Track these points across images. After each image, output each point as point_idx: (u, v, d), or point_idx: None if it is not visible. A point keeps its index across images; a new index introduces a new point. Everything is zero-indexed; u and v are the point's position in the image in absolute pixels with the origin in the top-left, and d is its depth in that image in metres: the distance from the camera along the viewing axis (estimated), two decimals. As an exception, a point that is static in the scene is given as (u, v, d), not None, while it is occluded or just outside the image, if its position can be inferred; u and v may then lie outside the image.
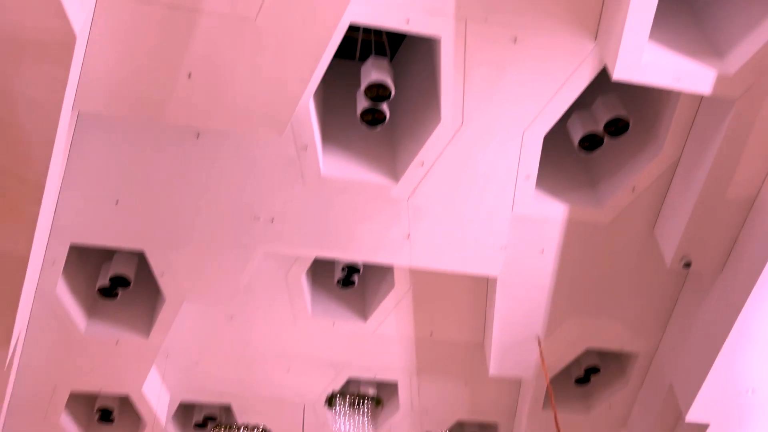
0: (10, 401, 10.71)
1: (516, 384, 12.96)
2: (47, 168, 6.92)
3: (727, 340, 9.48)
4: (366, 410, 13.19)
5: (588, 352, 12.06)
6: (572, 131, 9.57)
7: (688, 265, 9.78)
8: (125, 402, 12.30)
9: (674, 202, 9.74)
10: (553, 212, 9.99)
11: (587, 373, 12.12)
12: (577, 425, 12.29)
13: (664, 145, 9.29)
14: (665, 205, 9.98)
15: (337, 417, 13.09)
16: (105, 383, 11.56)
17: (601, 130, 9.27)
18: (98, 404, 12.10)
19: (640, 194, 9.84)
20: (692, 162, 9.25)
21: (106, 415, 12.13)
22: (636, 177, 9.62)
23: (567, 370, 12.39)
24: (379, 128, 9.32)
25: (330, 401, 12.96)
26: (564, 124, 9.66)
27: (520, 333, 11.29)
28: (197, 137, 8.89)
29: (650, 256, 10.47)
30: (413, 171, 9.34)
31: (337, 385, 13.09)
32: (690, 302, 10.68)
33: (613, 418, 12.65)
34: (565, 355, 11.72)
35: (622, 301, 11.06)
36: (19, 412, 11.34)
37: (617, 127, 9.25)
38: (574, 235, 10.20)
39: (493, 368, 11.79)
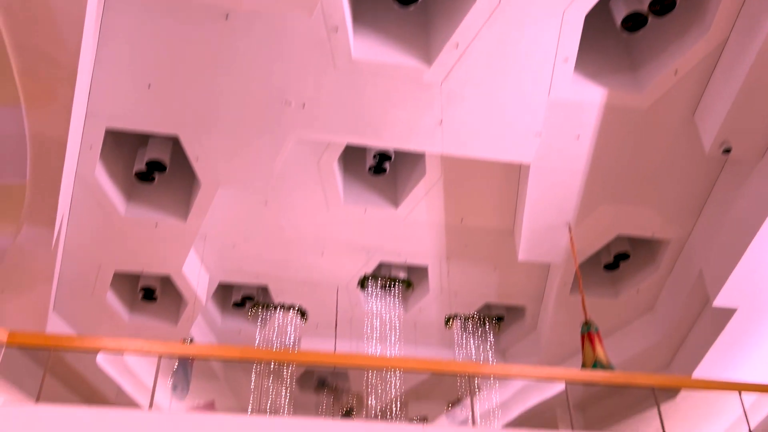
0: (59, 280, 11.27)
1: (544, 269, 13.17)
2: (78, 49, 6.88)
3: (761, 228, 9.38)
4: (397, 292, 13.62)
5: (619, 239, 12.11)
6: (615, 10, 9.13)
7: (727, 151, 9.54)
8: (167, 282, 12.84)
9: (718, 85, 9.37)
10: (591, 96, 9.72)
11: (617, 259, 12.23)
12: (604, 309, 12.54)
13: (711, 25, 8.82)
14: (708, 88, 9.61)
15: (369, 298, 13.56)
16: (146, 264, 12.03)
17: (646, 9, 8.82)
18: (141, 283, 12.65)
19: (683, 77, 9.47)
20: (740, 43, 8.80)
21: (149, 294, 12.70)
22: (680, 59, 9.22)
23: (596, 256, 12.51)
24: (412, 7, 8.99)
25: (362, 283, 13.37)
26: (606, 4, 9.20)
27: (550, 219, 11.33)
28: (226, 18, 8.69)
29: (688, 142, 10.23)
30: (447, 53, 9.07)
31: (369, 269, 13.45)
32: (726, 189, 10.53)
33: (640, 302, 12.88)
34: (595, 241, 11.79)
35: (657, 187, 10.95)
36: (68, 290, 11.95)
37: (663, 5, 8.78)
38: (611, 120, 9.96)
39: (523, 254, 11.95)
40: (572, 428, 7.93)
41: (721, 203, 10.66)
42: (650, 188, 10.96)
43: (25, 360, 10.79)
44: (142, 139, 10.82)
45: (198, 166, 10.41)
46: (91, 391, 13.20)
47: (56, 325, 12.29)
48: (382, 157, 11.25)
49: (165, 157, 10.56)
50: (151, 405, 7.14)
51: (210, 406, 10.86)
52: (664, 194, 11.04)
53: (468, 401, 12.70)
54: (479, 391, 12.96)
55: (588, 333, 10.21)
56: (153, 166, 10.55)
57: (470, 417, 10.44)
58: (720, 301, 10.48)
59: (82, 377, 13.18)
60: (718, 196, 10.79)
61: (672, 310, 12.16)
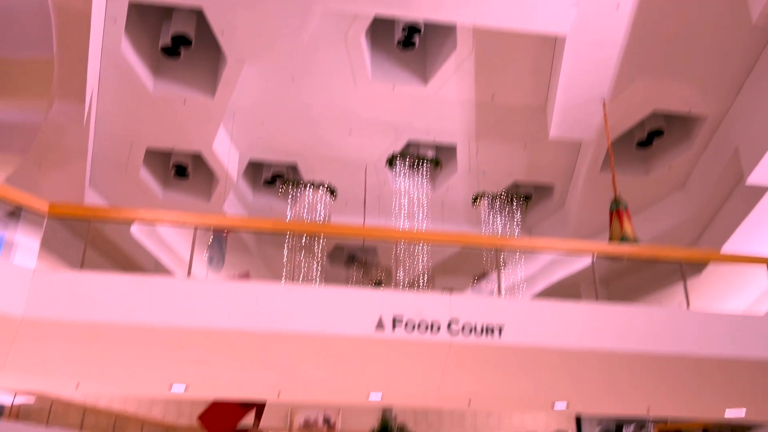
0: (93, 156, 11.47)
1: (575, 147, 12.99)
2: None
3: (805, 101, 9.05)
4: (425, 171, 13.63)
5: (654, 115, 11.80)
6: None
7: (776, 20, 9.03)
8: (198, 159, 12.99)
9: (772, -53, 8.73)
10: (633, -40, 9.16)
11: (650, 136, 11.97)
12: (634, 186, 12.45)
13: None
14: (761, -49, 8.97)
15: (397, 177, 13.61)
16: (177, 141, 12.13)
17: None
18: (173, 160, 12.80)
19: (735, -62, 8.84)
20: None
21: (181, 171, 12.88)
22: None
23: (629, 133, 12.28)
24: None
25: (390, 162, 13.38)
26: None
27: (584, 94, 11.03)
28: None
29: (735, 10, 9.67)
30: None
31: (397, 147, 13.41)
32: (771, 63, 10.07)
33: (671, 180, 12.74)
34: (629, 116, 11.52)
35: (698, 60, 10.50)
36: (102, 166, 12.18)
37: None
38: (654, -14, 9.43)
39: (554, 130, 11.75)
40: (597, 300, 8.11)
41: (764, 78, 10.23)
42: (691, 61, 10.52)
43: (65, 233, 11.21)
44: (166, 13, 10.58)
45: (223, 40, 10.21)
46: (130, 264, 13.77)
47: (93, 201, 12.64)
48: (411, 29, 10.88)
49: (190, 30, 10.35)
50: (189, 273, 7.43)
51: (245, 277, 11.28)
52: (705, 68, 10.61)
53: (493, 275, 13.02)
54: (505, 266, 13.23)
55: (617, 210, 10.23)
56: (178, 41, 10.38)
57: (496, 289, 10.72)
58: (754, 178, 10.30)
59: (121, 251, 13.71)
60: (761, 69, 10.33)
61: (704, 187, 12.02)
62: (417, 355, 7.22)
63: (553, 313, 7.42)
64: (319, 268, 13.41)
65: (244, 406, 11.31)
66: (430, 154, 13.77)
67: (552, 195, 14.67)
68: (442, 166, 13.96)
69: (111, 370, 7.62)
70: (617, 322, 7.41)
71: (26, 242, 7.33)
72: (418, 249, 12.97)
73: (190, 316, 6.72)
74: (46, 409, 13.67)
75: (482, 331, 7.02)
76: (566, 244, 9.99)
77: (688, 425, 14.95)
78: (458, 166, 13.87)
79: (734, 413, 8.72)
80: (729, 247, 11.63)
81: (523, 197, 14.30)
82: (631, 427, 15.34)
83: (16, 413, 13.37)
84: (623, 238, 9.65)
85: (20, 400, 13.58)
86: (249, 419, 12.08)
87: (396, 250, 11.77)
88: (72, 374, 7.69)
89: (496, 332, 7.04)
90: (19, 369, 7.13)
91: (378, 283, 15.40)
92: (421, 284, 13.18)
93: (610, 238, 10.10)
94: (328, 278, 14.12)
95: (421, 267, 13.22)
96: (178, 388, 7.99)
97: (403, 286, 12.59)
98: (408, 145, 13.61)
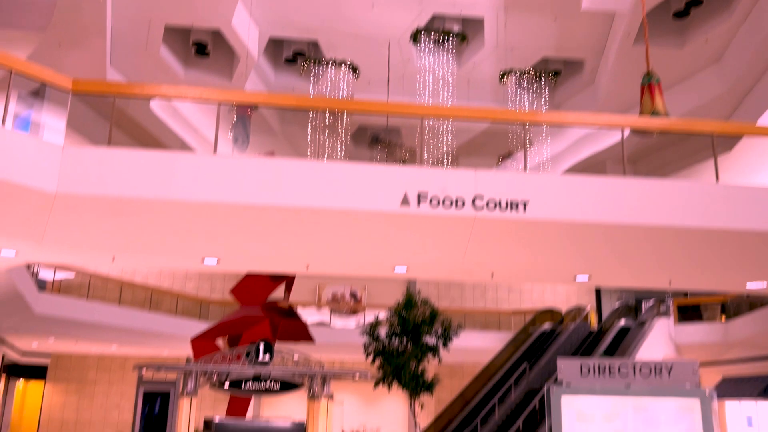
0: (112, 36, 11.25)
1: (608, 18, 12.41)
2: None
3: None
4: (450, 47, 13.23)
5: (693, -18, 11.15)
6: None
7: None
8: (218, 37, 12.68)
9: None
10: None
11: (688, 6, 11.34)
12: (667, 60, 11.96)
13: None
14: None
15: (421, 53, 13.24)
16: (196, 17, 11.80)
17: None
18: (193, 38, 12.51)
19: None
20: None
21: (201, 49, 12.62)
22: None
23: (665, 3, 11.64)
24: None
25: (414, 37, 12.96)
26: None
27: (620, -40, 10.42)
28: None
29: None
30: None
31: (421, 22, 12.94)
32: None
33: (707, 53, 12.20)
34: (667, -16, 10.91)
35: None
36: (122, 46, 11.97)
37: None
38: None
39: (587, 1, 11.19)
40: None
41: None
42: None
43: (90, 113, 11.26)
44: None
45: None
46: (156, 145, 13.87)
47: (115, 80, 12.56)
48: None
49: None
50: (215, 149, 7.45)
51: (270, 157, 11.34)
52: (753, -72, 9.87)
53: (519, 155, 12.92)
54: (531, 144, 13.09)
55: (648, 84, 9.87)
56: None
57: (521, 167, 10.62)
58: (796, 49, 9.84)
59: (146, 131, 13.79)
60: (815, -72, 9.59)
61: (740, 60, 11.50)
62: (441, 230, 7.30)
63: (578, 187, 7.37)
64: (343, 148, 13.40)
65: (275, 279, 11.71)
66: (456, 28, 13.29)
67: (582, 71, 14.22)
68: (468, 41, 13.52)
69: (144, 243, 7.86)
70: (642, 196, 7.34)
71: (52, 122, 7.32)
72: (443, 128, 12.83)
73: (218, 191, 6.79)
74: (85, 284, 14.35)
75: (507, 206, 7.02)
76: (596, 117, 9.78)
77: (708, 299, 15.25)
78: (485, 42, 13.40)
79: (755, 285, 8.82)
80: (763, 122, 11.31)
81: (552, 73, 13.91)
82: (651, 302, 15.70)
83: (58, 288, 14.06)
84: (654, 113, 9.40)
85: (61, 276, 14.24)
86: (279, 293, 12.57)
87: (420, 130, 11.68)
88: (107, 248, 7.95)
89: (521, 207, 7.04)
90: (57, 242, 7.37)
91: (403, 163, 15.43)
92: (445, 164, 13.16)
93: (641, 113, 9.83)
94: (352, 159, 14.14)
95: (445, 147, 13.14)
96: (210, 261, 8.26)
97: (428, 166, 12.60)
98: (433, 19, 13.13)
